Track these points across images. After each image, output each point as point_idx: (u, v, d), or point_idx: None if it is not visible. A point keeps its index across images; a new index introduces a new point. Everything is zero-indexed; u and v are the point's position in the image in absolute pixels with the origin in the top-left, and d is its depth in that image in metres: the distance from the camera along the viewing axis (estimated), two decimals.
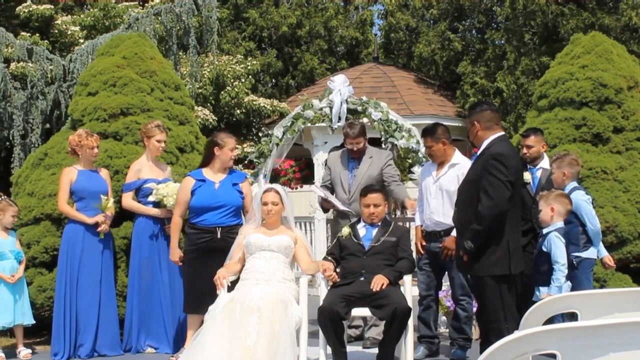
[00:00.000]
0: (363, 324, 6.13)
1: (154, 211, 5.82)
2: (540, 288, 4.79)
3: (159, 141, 5.89)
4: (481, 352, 4.46)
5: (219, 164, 5.45)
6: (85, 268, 5.71)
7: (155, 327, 5.81)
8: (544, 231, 4.89)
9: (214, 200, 5.34)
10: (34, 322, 5.78)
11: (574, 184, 5.22)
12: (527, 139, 5.65)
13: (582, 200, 5.09)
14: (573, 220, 5.08)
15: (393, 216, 7.90)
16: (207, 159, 5.51)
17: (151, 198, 5.78)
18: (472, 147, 4.93)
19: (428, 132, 5.40)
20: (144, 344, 5.81)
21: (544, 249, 4.83)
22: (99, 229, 5.74)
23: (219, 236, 5.30)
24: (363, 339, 5.94)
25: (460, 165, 5.29)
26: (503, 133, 4.68)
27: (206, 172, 5.47)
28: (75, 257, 5.70)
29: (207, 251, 5.27)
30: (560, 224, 4.87)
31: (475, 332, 5.88)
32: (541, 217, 4.92)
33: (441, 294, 5.79)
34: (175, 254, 5.50)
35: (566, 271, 4.71)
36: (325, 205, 6.02)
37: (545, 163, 5.64)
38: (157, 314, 5.80)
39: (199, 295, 5.19)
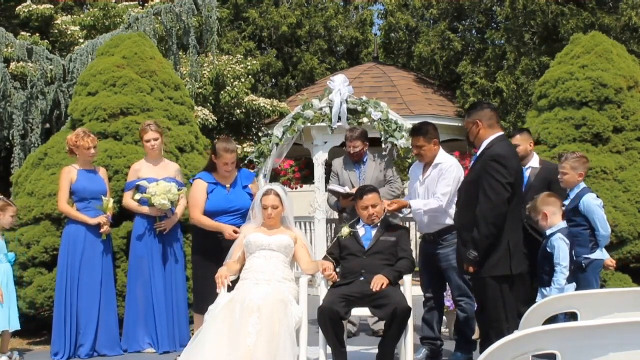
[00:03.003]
0: (358, 321, 6.18)
1: (145, 209, 5.83)
2: (543, 290, 4.79)
3: (148, 141, 5.88)
4: (481, 352, 4.47)
5: (220, 172, 5.46)
6: (86, 268, 5.72)
7: (152, 326, 5.81)
8: (548, 232, 4.88)
9: (229, 205, 5.35)
10: (18, 328, 5.65)
11: (583, 184, 5.20)
12: (513, 139, 5.65)
13: (595, 205, 5.06)
14: (583, 223, 5.07)
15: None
16: (212, 164, 5.48)
17: (137, 197, 5.80)
18: (471, 147, 4.91)
19: (420, 132, 5.27)
20: (142, 343, 5.82)
21: (548, 249, 4.82)
22: (102, 230, 5.75)
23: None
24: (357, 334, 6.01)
25: (441, 164, 5.25)
26: (503, 133, 4.67)
27: (216, 176, 5.46)
28: (76, 258, 5.70)
29: (217, 251, 5.23)
30: (562, 224, 4.85)
31: (475, 332, 5.87)
32: (542, 225, 4.91)
33: None
34: (227, 228, 5.24)
35: (567, 273, 4.70)
36: (343, 204, 5.92)
37: (535, 162, 5.63)
38: (154, 313, 5.80)
39: (210, 296, 5.15)
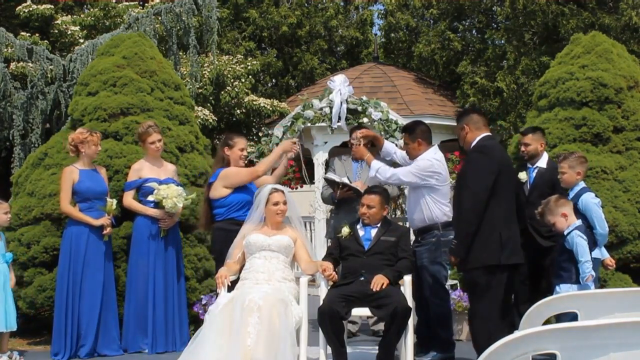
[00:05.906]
0: (359, 321, 6.18)
1: (152, 211, 5.83)
2: (561, 285, 4.75)
3: (152, 142, 5.90)
4: (476, 351, 4.47)
5: (232, 164, 5.45)
6: (88, 269, 5.71)
7: (151, 326, 5.79)
8: (565, 231, 4.86)
9: (250, 198, 5.39)
10: (14, 328, 5.64)
11: (582, 184, 5.20)
12: (524, 137, 5.67)
13: (593, 203, 5.05)
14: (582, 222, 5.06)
15: (392, 216, 7.90)
16: (222, 161, 5.50)
17: (151, 197, 5.80)
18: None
19: (407, 129, 5.44)
20: (141, 343, 5.81)
21: (566, 245, 4.80)
22: (105, 232, 5.74)
23: None
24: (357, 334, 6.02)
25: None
26: (490, 133, 4.80)
27: None
28: (78, 259, 5.69)
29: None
30: (578, 222, 4.84)
31: (464, 333, 5.85)
32: (558, 227, 4.84)
33: None
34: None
35: (590, 267, 4.66)
36: (341, 195, 5.84)
37: (542, 162, 5.60)
38: (154, 313, 5.79)
39: None
